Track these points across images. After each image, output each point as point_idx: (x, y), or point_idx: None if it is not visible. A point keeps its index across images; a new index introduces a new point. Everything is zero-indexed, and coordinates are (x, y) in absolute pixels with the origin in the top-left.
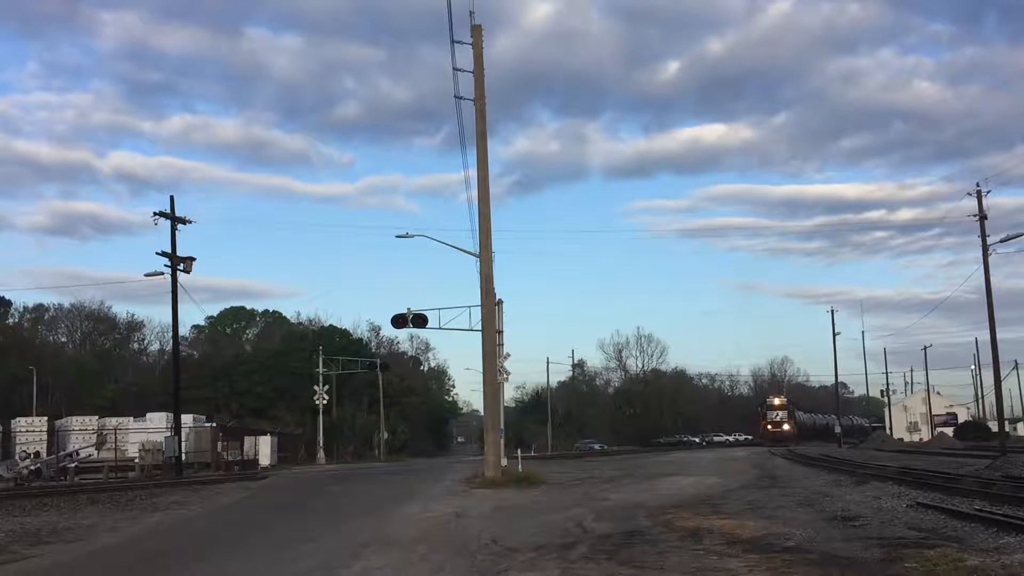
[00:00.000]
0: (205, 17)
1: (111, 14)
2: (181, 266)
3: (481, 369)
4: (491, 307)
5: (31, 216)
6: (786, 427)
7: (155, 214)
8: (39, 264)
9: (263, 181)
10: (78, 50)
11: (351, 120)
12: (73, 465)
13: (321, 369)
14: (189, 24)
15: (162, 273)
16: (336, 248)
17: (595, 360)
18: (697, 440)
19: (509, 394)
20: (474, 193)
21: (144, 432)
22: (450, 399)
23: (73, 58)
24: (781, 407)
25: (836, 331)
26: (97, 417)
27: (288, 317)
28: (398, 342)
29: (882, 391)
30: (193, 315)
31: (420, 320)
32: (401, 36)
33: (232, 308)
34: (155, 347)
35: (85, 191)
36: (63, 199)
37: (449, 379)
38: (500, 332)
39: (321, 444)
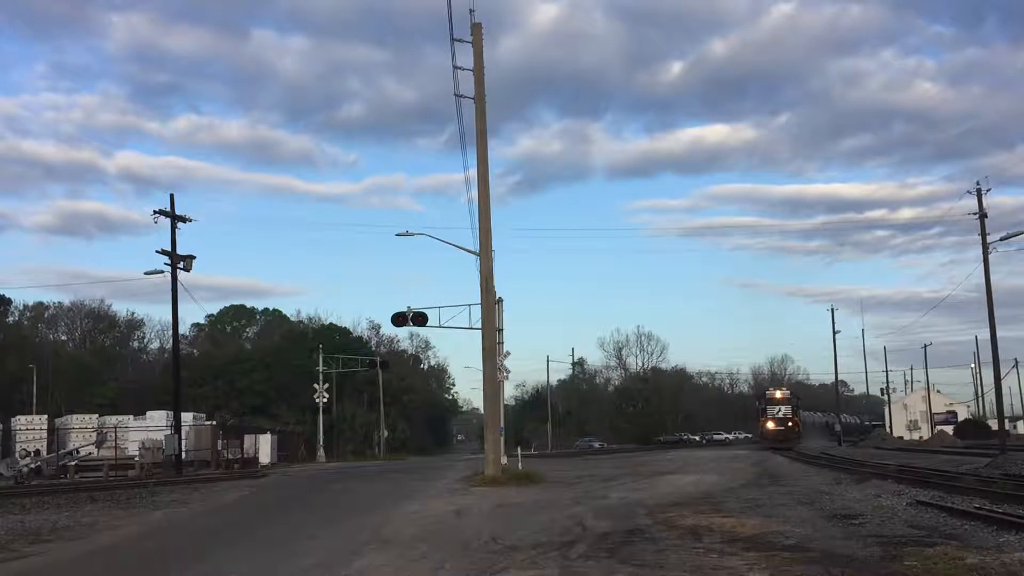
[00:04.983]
0: (212, 18)
1: (119, 16)
2: (181, 264)
3: (481, 367)
4: (491, 305)
5: (37, 215)
6: (790, 424)
7: (155, 212)
8: (41, 262)
9: (268, 181)
10: (86, 51)
11: (356, 120)
12: (73, 463)
13: (321, 367)
14: (196, 26)
15: (162, 271)
16: (338, 247)
17: (595, 358)
18: (697, 438)
19: (509, 392)
20: (474, 192)
21: (144, 430)
22: (450, 397)
23: (81, 59)
24: (783, 401)
25: (836, 329)
26: (97, 415)
27: (288, 315)
28: (398, 340)
29: (882, 389)
30: (194, 313)
31: (420, 318)
32: (406, 37)
33: (232, 306)
34: (155, 345)
35: (91, 191)
36: (69, 199)
37: (449, 377)
38: (500, 330)
39: (321, 442)
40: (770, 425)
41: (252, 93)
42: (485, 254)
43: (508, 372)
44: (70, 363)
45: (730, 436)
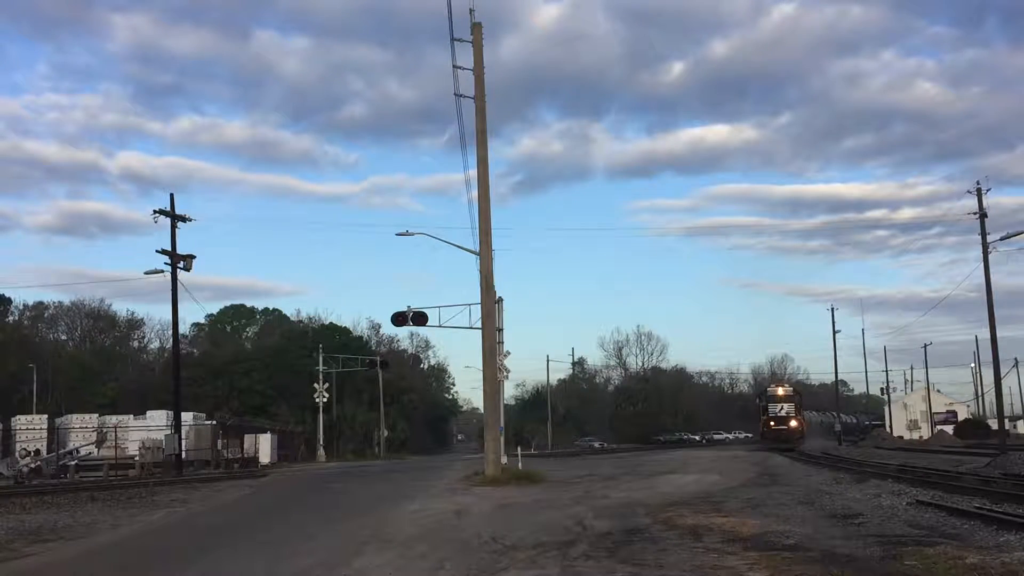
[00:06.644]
0: (214, 19)
1: (121, 16)
2: (181, 264)
3: (481, 367)
4: (491, 305)
5: (39, 215)
6: (793, 423)
7: (155, 212)
8: (42, 262)
9: (269, 181)
10: (88, 52)
11: (357, 121)
12: (73, 463)
13: (321, 367)
14: (198, 26)
15: (162, 271)
16: (338, 247)
17: (595, 358)
18: (697, 438)
19: (509, 392)
20: (475, 192)
21: (144, 430)
22: (450, 397)
23: (83, 60)
24: (786, 398)
25: (836, 329)
26: (97, 415)
27: (288, 315)
28: (398, 340)
29: (882, 389)
30: (194, 313)
31: (420, 318)
32: (408, 38)
33: (232, 306)
34: (155, 345)
35: (92, 191)
36: (70, 199)
37: (449, 377)
38: (500, 330)
39: (321, 442)
40: (772, 424)
41: (254, 94)
42: (485, 254)
43: (508, 372)
44: (70, 363)
45: (730, 436)
